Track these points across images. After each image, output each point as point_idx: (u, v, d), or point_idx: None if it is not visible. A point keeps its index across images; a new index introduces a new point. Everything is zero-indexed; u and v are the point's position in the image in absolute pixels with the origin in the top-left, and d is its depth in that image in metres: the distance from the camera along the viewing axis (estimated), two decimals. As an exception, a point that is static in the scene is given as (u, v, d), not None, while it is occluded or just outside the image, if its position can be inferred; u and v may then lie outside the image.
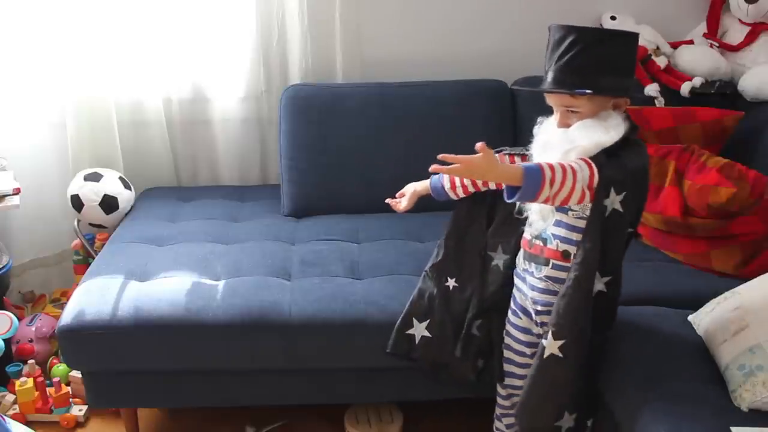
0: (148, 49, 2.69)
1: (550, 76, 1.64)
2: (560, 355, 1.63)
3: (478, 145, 1.51)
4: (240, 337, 1.98)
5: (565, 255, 1.69)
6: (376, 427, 2.21)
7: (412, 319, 1.93)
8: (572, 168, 1.55)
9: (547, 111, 1.75)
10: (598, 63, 1.61)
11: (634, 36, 1.65)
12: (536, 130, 1.74)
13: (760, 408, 1.58)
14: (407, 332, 1.94)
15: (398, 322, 1.95)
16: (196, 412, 2.38)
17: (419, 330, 1.93)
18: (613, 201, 1.61)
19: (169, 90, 2.77)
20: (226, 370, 2.06)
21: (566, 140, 1.63)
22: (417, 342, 1.93)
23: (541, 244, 1.73)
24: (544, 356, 1.65)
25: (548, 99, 1.68)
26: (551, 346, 1.64)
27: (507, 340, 1.88)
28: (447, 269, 1.92)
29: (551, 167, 1.53)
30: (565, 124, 1.66)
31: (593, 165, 1.58)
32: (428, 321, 1.93)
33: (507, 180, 1.55)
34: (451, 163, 1.52)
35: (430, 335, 1.92)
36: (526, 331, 1.83)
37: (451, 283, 1.92)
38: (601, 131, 1.61)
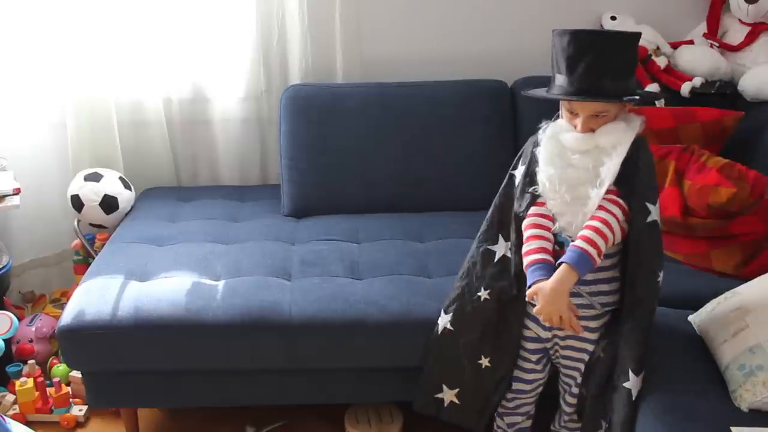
0: (148, 49, 2.69)
1: (578, 83, 1.60)
2: (640, 387, 1.67)
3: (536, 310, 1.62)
4: (240, 337, 1.98)
5: None
6: (376, 427, 2.21)
7: (442, 385, 1.96)
8: (607, 223, 1.59)
9: (548, 113, 1.74)
10: (626, 67, 1.62)
11: (639, 35, 1.66)
12: (542, 135, 1.71)
13: (760, 408, 1.58)
14: (436, 396, 1.98)
15: (426, 382, 1.97)
16: (196, 412, 2.38)
17: (448, 395, 1.97)
18: (653, 213, 1.63)
19: (169, 90, 2.77)
20: (226, 370, 2.06)
21: (592, 173, 1.62)
22: (446, 405, 1.98)
23: (558, 248, 1.70)
24: (633, 399, 1.66)
25: (575, 105, 1.65)
26: (636, 384, 1.66)
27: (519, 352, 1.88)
28: (482, 348, 1.90)
29: (591, 242, 1.58)
30: (589, 128, 1.63)
31: (621, 202, 1.62)
32: (458, 390, 1.95)
33: (572, 283, 1.59)
34: None
35: (458, 402, 1.96)
36: (535, 340, 1.83)
37: (485, 362, 1.91)
38: (624, 133, 1.62)
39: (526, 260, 1.68)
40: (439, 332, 1.92)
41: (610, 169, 1.61)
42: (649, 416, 1.62)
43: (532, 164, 1.73)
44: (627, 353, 1.68)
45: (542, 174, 1.68)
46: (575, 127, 1.65)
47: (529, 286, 1.64)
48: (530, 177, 1.73)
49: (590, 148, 1.63)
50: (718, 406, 1.61)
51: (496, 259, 1.83)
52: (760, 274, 1.87)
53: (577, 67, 1.59)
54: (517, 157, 1.81)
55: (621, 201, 1.63)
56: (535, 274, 1.64)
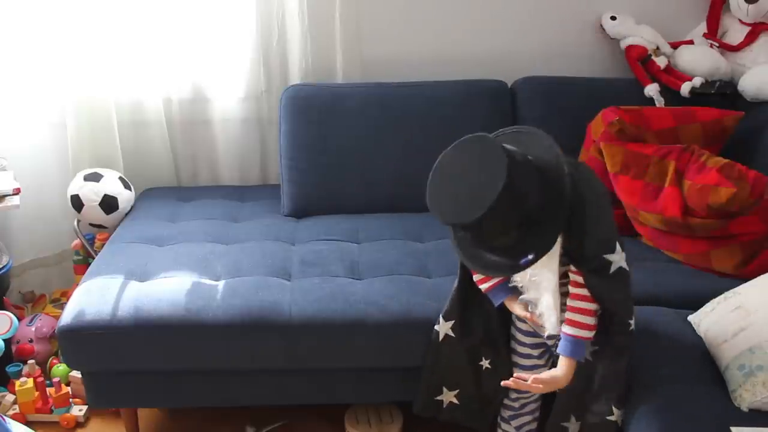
0: (148, 49, 2.69)
1: (493, 258, 1.53)
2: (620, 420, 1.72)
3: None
4: (240, 337, 1.98)
5: None
6: (376, 427, 2.21)
7: (442, 387, 1.97)
8: (582, 308, 1.61)
9: (548, 113, 1.74)
10: (506, 226, 1.47)
11: (505, 182, 1.40)
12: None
13: (760, 408, 1.58)
14: (436, 398, 1.98)
15: (426, 386, 1.97)
16: (196, 412, 2.38)
17: (448, 397, 1.98)
18: (615, 261, 1.59)
19: (169, 90, 2.77)
20: (226, 370, 2.06)
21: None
22: (445, 406, 1.99)
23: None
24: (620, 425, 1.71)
25: None
26: (618, 416, 1.71)
27: (512, 344, 1.88)
28: (483, 351, 1.91)
29: (579, 325, 1.61)
30: None
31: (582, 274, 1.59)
32: (457, 391, 1.96)
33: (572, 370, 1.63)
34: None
35: (458, 402, 1.97)
36: (532, 334, 1.83)
37: (485, 363, 1.92)
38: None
39: (483, 285, 1.75)
40: (440, 339, 1.91)
41: (551, 266, 1.59)
42: (649, 416, 1.63)
43: None
44: (609, 394, 1.72)
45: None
46: None
47: (499, 306, 1.75)
48: None
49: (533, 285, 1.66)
50: (718, 406, 1.61)
51: None
52: (760, 274, 1.88)
53: (465, 244, 1.57)
54: None
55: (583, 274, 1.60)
56: (499, 296, 1.74)
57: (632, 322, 1.65)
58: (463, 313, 1.87)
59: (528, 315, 1.70)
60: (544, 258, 1.49)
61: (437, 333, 1.92)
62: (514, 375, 1.87)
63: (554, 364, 1.86)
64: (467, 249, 1.58)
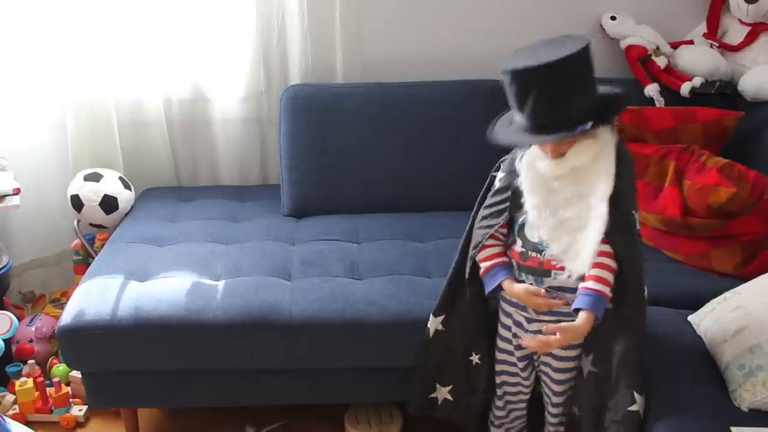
0: (148, 49, 2.69)
1: (533, 120, 1.56)
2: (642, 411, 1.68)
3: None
4: (240, 337, 1.98)
5: None
6: (376, 427, 2.21)
7: (435, 384, 1.97)
8: (605, 264, 1.61)
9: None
10: (578, 86, 1.56)
11: (588, 44, 1.57)
12: (519, 165, 1.69)
13: (760, 408, 1.58)
14: (430, 396, 1.99)
15: (419, 384, 1.98)
16: (196, 412, 2.38)
17: (442, 393, 1.98)
18: (637, 222, 1.65)
19: (169, 90, 2.77)
20: (226, 370, 2.06)
21: (574, 195, 1.61)
22: (440, 403, 1.99)
23: (538, 255, 1.69)
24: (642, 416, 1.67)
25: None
26: (641, 404, 1.66)
27: (499, 355, 1.88)
28: (472, 346, 1.92)
29: (602, 281, 1.61)
30: (559, 153, 1.62)
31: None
32: (451, 387, 1.96)
33: (590, 325, 1.61)
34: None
35: (452, 399, 1.97)
36: (517, 347, 1.83)
37: (475, 359, 1.92)
38: (597, 147, 1.59)
39: (484, 264, 1.75)
40: (431, 335, 1.92)
41: (605, 190, 1.58)
42: (649, 416, 1.63)
43: (515, 188, 1.71)
44: (628, 378, 1.67)
45: (528, 203, 1.67)
46: (547, 153, 1.64)
47: (493, 290, 1.73)
48: (514, 198, 1.71)
49: (565, 171, 1.62)
50: (718, 406, 1.61)
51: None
52: (760, 274, 1.88)
53: (526, 104, 1.55)
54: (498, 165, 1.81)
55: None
56: (499, 276, 1.72)
57: (645, 288, 1.67)
58: (452, 308, 1.88)
59: (524, 291, 1.68)
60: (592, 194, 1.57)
61: (428, 330, 1.92)
62: (498, 379, 1.89)
63: (537, 379, 1.88)
64: (513, 134, 1.62)
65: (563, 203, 1.62)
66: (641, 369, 1.68)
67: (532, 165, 1.67)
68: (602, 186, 1.59)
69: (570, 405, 1.85)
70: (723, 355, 1.70)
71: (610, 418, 1.70)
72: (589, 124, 1.55)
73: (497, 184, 1.78)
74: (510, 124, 1.65)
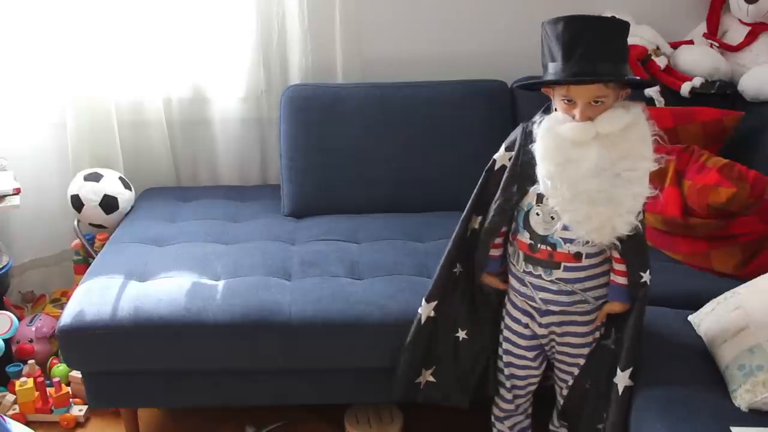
0: (148, 49, 2.69)
1: (576, 67, 1.54)
2: (632, 383, 1.71)
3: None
4: (240, 337, 1.98)
5: (577, 256, 1.69)
6: (376, 427, 2.21)
7: (421, 369, 1.96)
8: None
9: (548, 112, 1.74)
10: (621, 52, 1.60)
11: (629, 25, 1.63)
12: (536, 129, 1.64)
13: (760, 408, 1.58)
14: (415, 381, 1.98)
15: (407, 370, 1.95)
16: (196, 412, 2.38)
17: (425, 376, 1.97)
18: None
19: (169, 90, 2.77)
20: (226, 370, 2.06)
21: (605, 176, 1.59)
22: (422, 387, 1.98)
23: (549, 248, 1.69)
24: (620, 392, 1.70)
25: (572, 92, 1.58)
26: (623, 379, 1.70)
27: (507, 345, 1.88)
28: (459, 322, 1.91)
29: (624, 274, 1.70)
30: (588, 117, 1.58)
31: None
32: (434, 368, 1.96)
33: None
34: None
35: (434, 380, 1.97)
36: (528, 337, 1.83)
37: (461, 334, 1.92)
38: (629, 118, 1.59)
39: (494, 251, 1.82)
40: (422, 322, 1.91)
41: (646, 167, 1.60)
42: (649, 416, 1.63)
43: (524, 157, 1.69)
44: (621, 351, 1.73)
45: (541, 171, 1.62)
46: (573, 117, 1.59)
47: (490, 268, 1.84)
48: (522, 168, 1.70)
49: (591, 137, 1.57)
50: (718, 406, 1.61)
51: (468, 234, 1.84)
52: (760, 274, 1.87)
53: (575, 51, 1.54)
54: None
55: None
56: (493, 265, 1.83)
57: (647, 274, 1.69)
58: (444, 292, 1.89)
59: (502, 287, 1.84)
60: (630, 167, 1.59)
61: (419, 316, 1.91)
62: (507, 371, 1.89)
63: (549, 367, 1.88)
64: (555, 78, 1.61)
65: (578, 175, 1.58)
66: (636, 345, 1.72)
67: (551, 130, 1.61)
68: (641, 162, 1.59)
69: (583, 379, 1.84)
70: (723, 355, 1.70)
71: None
72: (636, 80, 1.62)
73: (501, 162, 1.77)
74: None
